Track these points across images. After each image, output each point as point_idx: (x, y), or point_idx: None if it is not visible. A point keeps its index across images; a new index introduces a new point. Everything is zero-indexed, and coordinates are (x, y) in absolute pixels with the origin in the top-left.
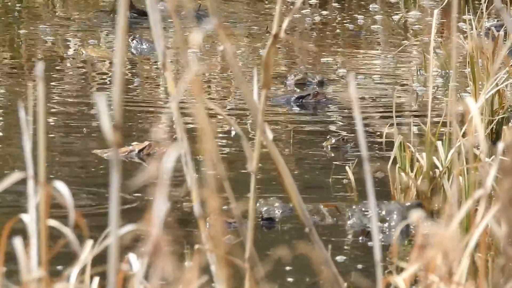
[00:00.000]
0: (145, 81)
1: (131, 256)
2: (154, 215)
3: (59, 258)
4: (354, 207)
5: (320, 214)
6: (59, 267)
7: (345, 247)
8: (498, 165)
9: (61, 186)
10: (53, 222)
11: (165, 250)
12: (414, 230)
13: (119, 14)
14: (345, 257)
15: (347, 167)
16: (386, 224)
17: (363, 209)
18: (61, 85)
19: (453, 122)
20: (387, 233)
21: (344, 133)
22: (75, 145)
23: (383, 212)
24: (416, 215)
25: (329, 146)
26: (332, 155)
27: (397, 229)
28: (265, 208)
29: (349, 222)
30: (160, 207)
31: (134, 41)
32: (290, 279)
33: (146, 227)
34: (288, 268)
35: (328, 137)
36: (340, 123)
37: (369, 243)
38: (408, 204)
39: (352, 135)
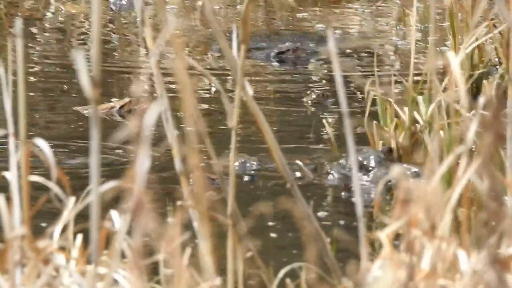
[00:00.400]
0: (124, 37)
1: (114, 213)
2: (136, 171)
3: (42, 216)
4: (334, 162)
5: (300, 170)
6: (42, 225)
7: (327, 203)
8: (479, 120)
9: (41, 143)
10: (35, 178)
11: (148, 207)
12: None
13: None
14: (326, 213)
15: (325, 122)
16: (365, 177)
17: (343, 162)
18: (40, 43)
19: (433, 77)
20: (368, 185)
21: (325, 88)
22: (56, 103)
23: (360, 159)
24: (397, 170)
25: (309, 102)
26: (313, 110)
27: (378, 185)
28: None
29: (329, 177)
30: (142, 163)
31: None
32: (272, 235)
33: (128, 184)
34: (270, 224)
35: (308, 92)
36: (320, 78)
37: (352, 199)
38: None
39: (333, 90)
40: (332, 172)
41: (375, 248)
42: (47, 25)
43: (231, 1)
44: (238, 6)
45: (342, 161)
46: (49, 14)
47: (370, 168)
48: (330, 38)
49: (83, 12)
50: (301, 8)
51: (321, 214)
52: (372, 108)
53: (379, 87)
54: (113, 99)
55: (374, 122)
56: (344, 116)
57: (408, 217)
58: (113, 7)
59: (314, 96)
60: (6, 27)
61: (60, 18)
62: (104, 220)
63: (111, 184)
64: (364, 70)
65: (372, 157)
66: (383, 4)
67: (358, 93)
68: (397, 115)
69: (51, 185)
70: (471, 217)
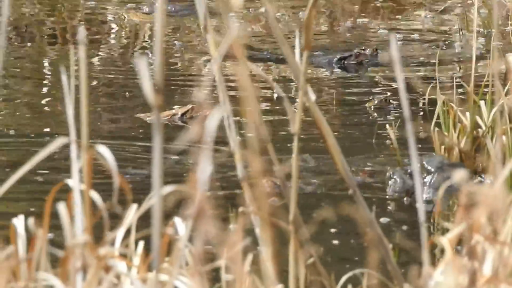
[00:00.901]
0: (187, 44)
1: (176, 220)
2: (198, 177)
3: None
4: (397, 167)
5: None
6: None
7: (389, 208)
8: None
9: (104, 151)
10: (93, 193)
11: (209, 213)
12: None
13: None
14: (389, 219)
15: (388, 127)
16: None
17: (406, 168)
18: (103, 50)
19: (495, 81)
20: (430, 191)
21: (387, 94)
22: (118, 110)
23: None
24: (459, 174)
25: (372, 107)
26: (375, 115)
27: (440, 189)
28: None
29: (391, 182)
30: (204, 169)
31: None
32: (335, 241)
33: (190, 190)
34: (332, 230)
35: (371, 97)
36: (383, 84)
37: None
38: (451, 162)
39: (395, 96)
40: (394, 177)
41: (437, 253)
42: (110, 30)
43: (294, 8)
44: (300, 13)
45: (404, 166)
46: (111, 21)
47: (432, 173)
48: (393, 43)
49: (146, 20)
50: (364, 14)
51: (383, 220)
52: (433, 112)
53: (440, 92)
54: (175, 106)
55: (436, 127)
56: (406, 120)
57: (470, 222)
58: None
59: (376, 102)
60: (69, 33)
61: (122, 25)
62: (166, 227)
63: (172, 187)
64: (427, 76)
65: (434, 162)
66: (446, 9)
67: (421, 98)
68: (459, 120)
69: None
70: None
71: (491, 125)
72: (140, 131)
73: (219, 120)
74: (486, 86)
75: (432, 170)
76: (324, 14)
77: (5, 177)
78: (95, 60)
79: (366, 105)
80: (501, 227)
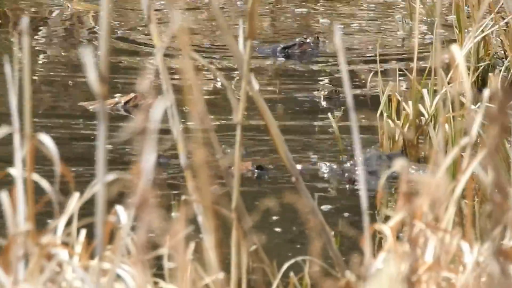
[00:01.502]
0: (130, 32)
1: (118, 208)
2: (141, 166)
3: (47, 212)
4: (339, 156)
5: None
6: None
7: (331, 196)
8: (484, 112)
9: (46, 139)
10: (36, 176)
11: (152, 202)
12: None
13: None
14: (331, 206)
15: (330, 115)
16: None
17: (348, 158)
18: (47, 39)
19: (438, 70)
20: (373, 182)
21: (331, 83)
22: (61, 98)
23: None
24: (400, 162)
25: (321, 97)
26: (321, 105)
27: (382, 177)
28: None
29: (333, 170)
30: (147, 158)
31: None
32: (277, 229)
33: (133, 178)
34: (275, 218)
35: (320, 88)
36: (326, 73)
37: (356, 192)
38: (388, 153)
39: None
40: (335, 165)
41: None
42: (54, 22)
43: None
44: (238, 2)
45: (346, 155)
46: (55, 12)
47: (374, 162)
48: (336, 33)
49: (90, 9)
50: (305, 4)
51: (325, 207)
52: (376, 101)
53: (383, 81)
54: (117, 95)
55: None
56: (350, 109)
57: (411, 209)
58: None
59: (326, 92)
60: (12, 24)
61: (66, 14)
62: (108, 215)
63: (115, 175)
64: (370, 65)
65: (373, 156)
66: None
67: (364, 87)
68: (403, 109)
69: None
70: (475, 209)
71: (434, 114)
72: (84, 119)
73: (163, 109)
74: (429, 75)
75: (373, 160)
76: (267, 3)
77: None
78: (38, 48)
79: (315, 93)
80: (442, 215)
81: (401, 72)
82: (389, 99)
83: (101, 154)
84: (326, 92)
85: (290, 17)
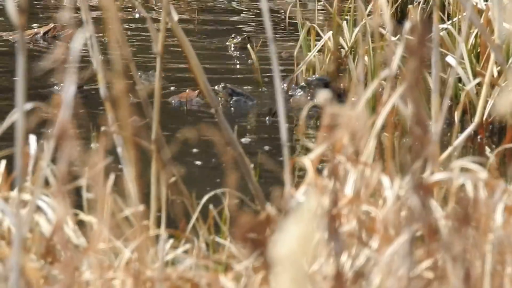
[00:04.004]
0: None
1: (32, 138)
2: (62, 97)
3: None
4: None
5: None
6: None
7: (251, 128)
8: (404, 45)
9: None
10: None
11: (72, 133)
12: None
13: None
14: (250, 139)
15: (249, 47)
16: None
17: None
18: None
19: (358, 1)
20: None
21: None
22: None
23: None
24: (323, 95)
25: (232, 45)
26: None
27: (303, 109)
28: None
29: (254, 102)
30: (67, 89)
31: None
32: (196, 161)
33: (53, 109)
34: (194, 150)
35: (232, 35)
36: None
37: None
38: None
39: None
40: (258, 98)
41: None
42: None
43: None
44: None
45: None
46: None
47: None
48: None
49: None
50: None
51: (244, 140)
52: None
53: (302, 12)
54: (35, 25)
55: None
56: (269, 41)
57: (332, 142)
58: None
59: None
60: None
61: None
62: (27, 146)
63: (34, 104)
64: None
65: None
66: None
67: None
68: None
69: None
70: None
71: (354, 46)
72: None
73: (82, 40)
74: (350, 7)
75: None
76: None
77: None
78: None
79: (227, 43)
80: (362, 148)
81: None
82: (307, 31)
83: (20, 84)
84: (238, 40)
85: None
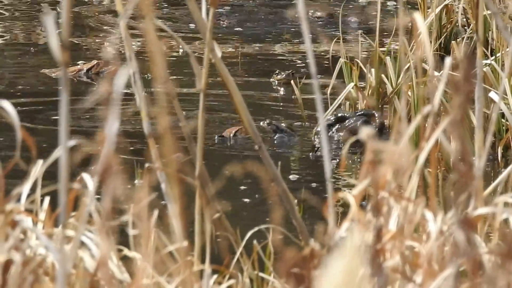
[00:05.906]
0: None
1: (83, 175)
2: (105, 134)
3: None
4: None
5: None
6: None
7: (295, 164)
8: (447, 80)
9: (7, 105)
10: None
11: (116, 169)
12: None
13: None
14: (295, 175)
15: (293, 83)
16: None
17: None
18: (8, 7)
19: (401, 37)
20: (336, 147)
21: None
22: (24, 65)
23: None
24: (365, 131)
25: (276, 81)
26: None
27: (345, 145)
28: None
29: (298, 139)
30: (111, 126)
31: None
32: (241, 197)
33: (97, 146)
34: (239, 186)
35: (276, 71)
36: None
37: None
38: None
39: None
40: (300, 133)
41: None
42: None
43: None
44: None
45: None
46: None
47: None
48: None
49: None
50: None
51: (290, 176)
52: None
53: (345, 48)
54: (80, 62)
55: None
56: (312, 76)
57: (375, 178)
58: None
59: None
60: None
61: None
62: (72, 182)
63: (78, 140)
64: (332, 33)
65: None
66: None
67: (327, 56)
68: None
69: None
70: (438, 178)
71: (397, 82)
72: (47, 86)
73: (126, 76)
74: (392, 42)
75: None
76: None
77: None
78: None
79: (271, 80)
80: (406, 183)
81: (362, 40)
82: (350, 68)
83: (64, 120)
84: (283, 76)
85: None
